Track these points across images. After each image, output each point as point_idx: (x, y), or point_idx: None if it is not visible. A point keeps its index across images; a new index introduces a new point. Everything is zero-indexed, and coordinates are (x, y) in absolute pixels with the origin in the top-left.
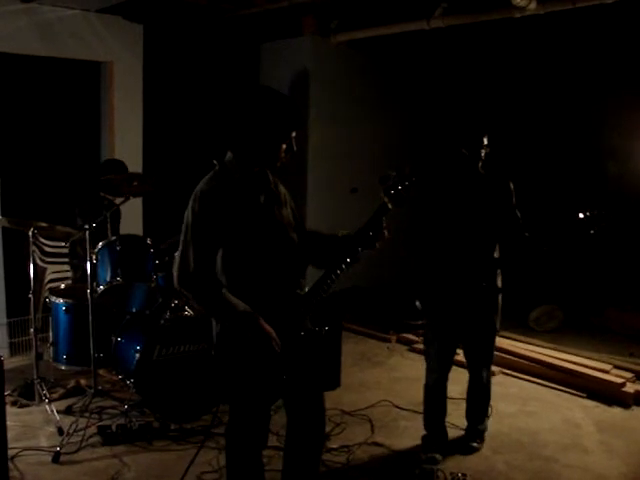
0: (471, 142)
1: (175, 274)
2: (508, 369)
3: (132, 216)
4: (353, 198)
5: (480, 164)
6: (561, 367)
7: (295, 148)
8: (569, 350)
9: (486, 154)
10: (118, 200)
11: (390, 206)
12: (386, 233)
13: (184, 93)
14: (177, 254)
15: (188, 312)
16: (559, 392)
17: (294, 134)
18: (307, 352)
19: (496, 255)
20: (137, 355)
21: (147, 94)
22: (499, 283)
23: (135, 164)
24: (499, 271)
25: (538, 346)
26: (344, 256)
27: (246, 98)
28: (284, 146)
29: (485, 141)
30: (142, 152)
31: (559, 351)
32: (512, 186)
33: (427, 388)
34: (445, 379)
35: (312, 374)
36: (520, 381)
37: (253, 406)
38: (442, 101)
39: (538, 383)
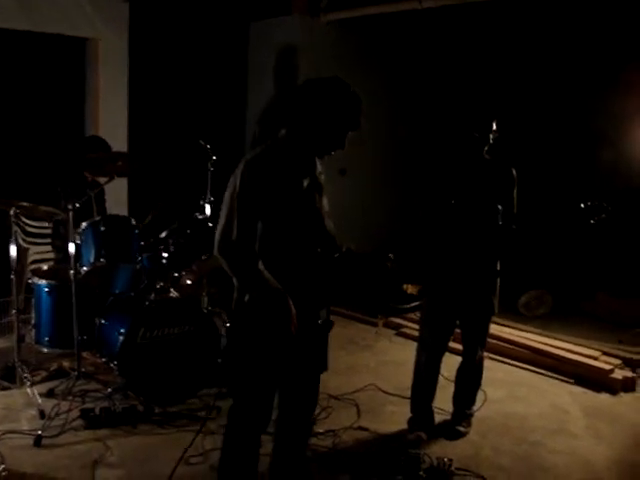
0: (481, 125)
1: (217, 240)
2: (495, 354)
3: (117, 196)
4: (342, 180)
5: (486, 149)
6: (549, 353)
7: (345, 147)
8: (558, 336)
9: (494, 139)
10: (102, 180)
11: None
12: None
13: (171, 72)
14: (220, 222)
15: (173, 294)
16: (547, 378)
17: (350, 133)
18: (318, 341)
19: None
20: (121, 337)
21: (133, 72)
22: (497, 266)
23: (120, 143)
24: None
25: (526, 331)
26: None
27: (325, 87)
28: (341, 142)
29: (494, 126)
30: (128, 131)
31: (547, 337)
32: (515, 173)
33: (418, 366)
34: (439, 359)
35: (316, 361)
36: (507, 366)
37: (262, 385)
38: (435, 82)
39: (526, 369)
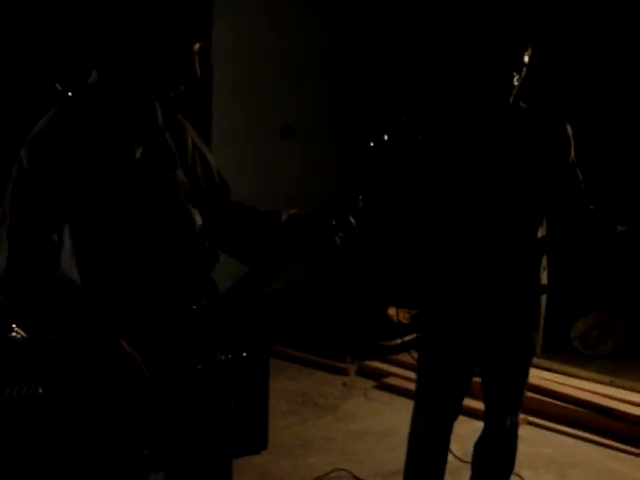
0: (504, 52)
1: None
2: (538, 417)
3: None
4: (287, 145)
5: (514, 90)
6: (623, 414)
7: (199, 72)
8: (636, 386)
9: (522, 78)
10: None
11: (367, 169)
12: (352, 220)
13: None
14: None
15: (18, 334)
16: (620, 454)
17: (197, 47)
18: (205, 399)
19: (540, 234)
20: None
21: None
22: (544, 279)
23: None
24: (545, 260)
25: (585, 380)
26: (287, 252)
27: None
28: (183, 65)
29: (525, 57)
30: None
31: (619, 388)
32: (570, 131)
33: (415, 439)
34: (448, 428)
35: (208, 435)
36: (557, 436)
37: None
38: None
39: (586, 439)
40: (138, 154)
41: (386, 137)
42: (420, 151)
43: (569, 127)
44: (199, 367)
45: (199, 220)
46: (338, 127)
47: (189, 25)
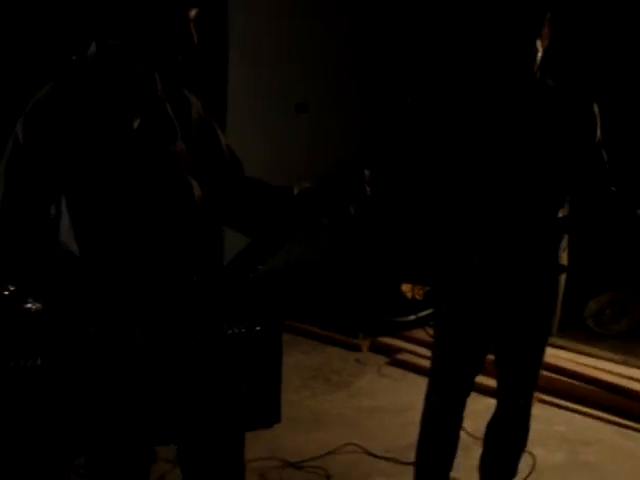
0: (522, 23)
1: None
2: (550, 395)
3: None
4: (301, 121)
5: (537, 63)
6: (637, 393)
7: (196, 39)
8: None
9: (546, 49)
10: None
11: (374, 138)
12: (368, 189)
13: None
14: None
15: (33, 305)
16: (632, 432)
17: (193, 13)
18: (210, 369)
19: (561, 214)
20: None
21: None
22: (564, 259)
23: None
24: (565, 240)
25: (598, 358)
26: (295, 224)
27: None
28: (179, 32)
29: (544, 29)
30: None
31: (632, 367)
32: (597, 110)
33: (429, 416)
34: (461, 406)
35: (218, 408)
36: (569, 414)
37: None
38: None
39: (598, 417)
40: (136, 124)
41: (395, 105)
42: (435, 122)
43: (596, 106)
44: (199, 337)
45: (198, 191)
46: (352, 102)
47: None
